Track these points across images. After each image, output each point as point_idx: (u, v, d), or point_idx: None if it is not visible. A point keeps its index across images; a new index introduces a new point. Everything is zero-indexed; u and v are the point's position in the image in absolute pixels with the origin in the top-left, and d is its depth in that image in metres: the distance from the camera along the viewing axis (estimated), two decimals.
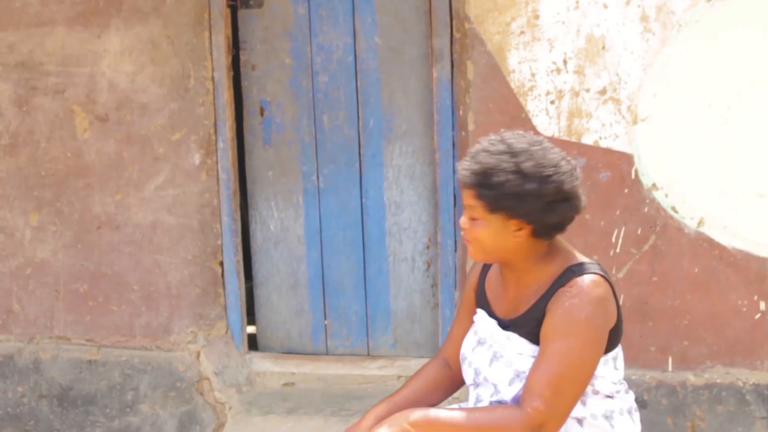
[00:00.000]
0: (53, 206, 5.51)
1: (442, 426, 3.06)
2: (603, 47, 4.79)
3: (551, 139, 4.87)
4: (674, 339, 4.89)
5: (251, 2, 5.41)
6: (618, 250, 4.89)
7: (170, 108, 5.34)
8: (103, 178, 5.44)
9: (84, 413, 5.55)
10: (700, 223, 4.80)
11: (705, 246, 4.81)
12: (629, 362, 4.90)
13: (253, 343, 5.69)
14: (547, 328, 3.10)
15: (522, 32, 4.86)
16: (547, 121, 4.88)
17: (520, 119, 4.90)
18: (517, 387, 3.16)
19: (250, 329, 5.73)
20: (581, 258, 3.22)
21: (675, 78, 4.73)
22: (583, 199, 3.21)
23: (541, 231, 3.16)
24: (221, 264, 5.42)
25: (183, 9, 5.27)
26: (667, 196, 4.82)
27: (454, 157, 5.13)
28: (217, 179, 5.36)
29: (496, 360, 3.22)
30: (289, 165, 5.50)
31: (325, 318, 5.61)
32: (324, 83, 5.37)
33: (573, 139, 4.86)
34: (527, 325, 3.18)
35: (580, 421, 3.18)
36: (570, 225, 3.22)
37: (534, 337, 3.16)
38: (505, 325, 3.25)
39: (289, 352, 5.68)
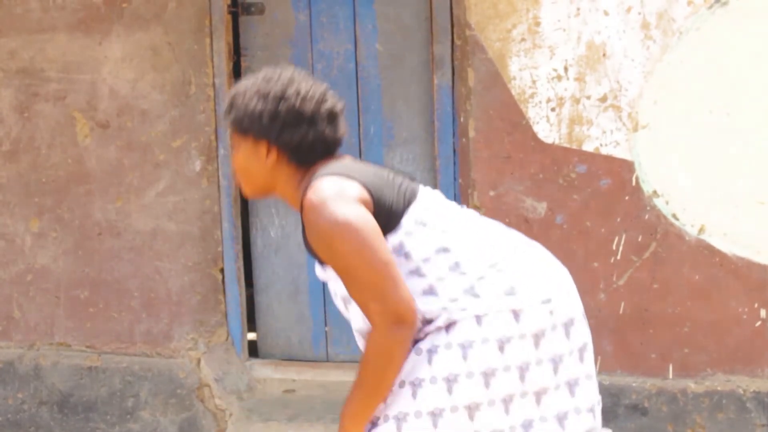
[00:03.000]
0: (54, 213, 5.51)
1: (355, 403, 3.03)
2: (604, 54, 4.79)
3: (552, 146, 4.87)
4: (675, 346, 4.88)
5: (252, 9, 5.42)
6: (618, 257, 4.88)
7: (171, 114, 5.34)
8: (103, 185, 5.44)
9: (84, 420, 5.55)
10: (701, 230, 4.80)
11: (706, 253, 4.81)
12: (629, 369, 4.91)
13: (253, 349, 5.69)
14: (318, 252, 3.06)
15: (523, 39, 4.86)
16: (547, 129, 4.88)
17: (521, 126, 4.90)
18: (354, 310, 3.11)
19: (251, 336, 5.72)
20: (320, 172, 3.12)
21: (676, 85, 4.73)
22: (338, 127, 3.19)
23: (288, 153, 3.15)
24: (222, 271, 5.42)
25: (184, 16, 5.28)
26: (667, 203, 4.82)
27: (455, 164, 5.13)
28: (218, 186, 5.36)
29: (349, 303, 3.18)
30: None
31: (326, 325, 5.61)
32: None
33: (574, 147, 4.86)
34: (314, 254, 3.16)
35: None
36: (325, 151, 3.17)
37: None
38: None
39: (290, 358, 5.67)
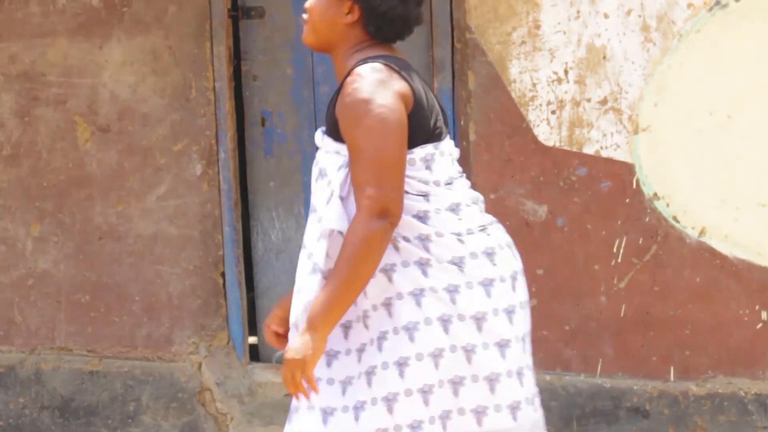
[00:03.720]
0: (55, 217, 5.51)
1: (326, 299, 3.04)
2: (604, 57, 4.79)
3: (552, 148, 4.87)
4: (676, 349, 4.88)
5: (252, 13, 5.42)
6: (619, 259, 4.88)
7: (172, 118, 5.35)
8: (104, 189, 5.44)
9: (86, 424, 5.55)
10: (702, 232, 4.79)
11: (706, 256, 4.81)
12: (630, 372, 4.91)
13: (254, 353, 5.68)
14: (341, 120, 3.10)
15: (523, 42, 4.87)
16: (548, 131, 4.88)
17: (522, 129, 4.90)
18: (334, 204, 3.13)
19: (252, 340, 5.72)
20: (380, 56, 3.19)
21: (676, 87, 4.73)
22: (421, 14, 3.26)
23: (369, 18, 3.20)
24: (223, 274, 5.42)
25: (184, 20, 5.28)
26: (668, 205, 4.82)
27: None
28: (219, 190, 5.36)
29: (321, 177, 3.22)
30: (290, 175, 5.50)
31: None
32: (325, 93, 5.37)
33: (574, 149, 4.86)
34: (327, 121, 3.21)
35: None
36: (399, 35, 3.25)
37: (335, 134, 3.17)
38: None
39: None
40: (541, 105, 4.88)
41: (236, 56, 5.45)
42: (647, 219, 4.84)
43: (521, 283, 3.25)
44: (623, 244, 4.88)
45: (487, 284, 3.14)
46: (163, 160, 5.38)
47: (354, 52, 3.23)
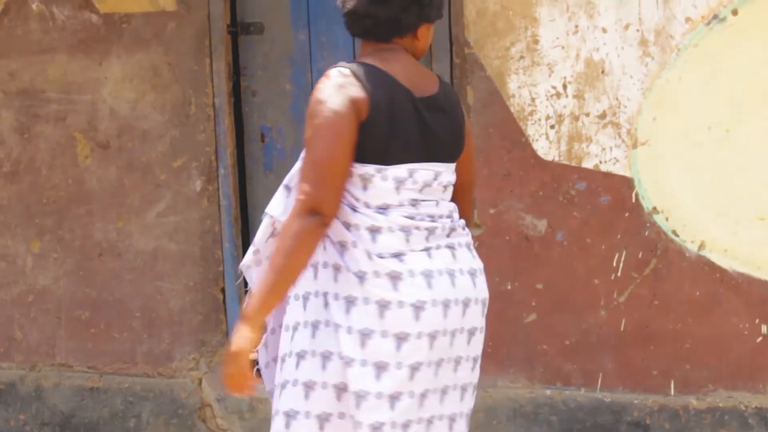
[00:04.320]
0: (55, 233, 5.51)
1: (260, 289, 3.15)
2: (602, 71, 4.80)
3: (551, 163, 4.88)
4: (676, 363, 4.88)
5: (252, 29, 5.43)
6: (619, 274, 4.88)
7: (171, 135, 5.36)
8: (104, 205, 5.45)
9: None
10: (701, 246, 4.79)
11: (706, 269, 4.81)
12: (631, 386, 4.90)
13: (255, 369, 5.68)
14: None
15: (521, 57, 4.87)
16: (547, 146, 4.89)
17: (521, 144, 4.91)
18: (278, 191, 3.31)
19: (252, 356, 5.71)
20: (366, 60, 3.27)
21: (674, 101, 4.74)
22: (404, 16, 3.26)
23: (347, 20, 3.32)
24: (223, 290, 5.42)
25: (184, 36, 5.30)
26: (667, 219, 4.82)
27: None
28: (218, 206, 5.37)
29: None
30: None
31: None
32: None
33: (573, 164, 4.87)
34: None
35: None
36: (380, 33, 3.28)
37: None
38: None
39: None
40: (540, 119, 4.89)
41: (235, 72, 5.46)
42: (647, 233, 4.84)
43: (430, 313, 3.20)
44: (623, 258, 4.88)
45: (383, 305, 3.16)
46: (163, 176, 5.39)
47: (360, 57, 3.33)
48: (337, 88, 3.14)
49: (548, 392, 4.98)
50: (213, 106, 5.32)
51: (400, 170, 3.21)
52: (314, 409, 3.19)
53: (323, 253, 3.20)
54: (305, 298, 3.23)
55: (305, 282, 3.21)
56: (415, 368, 3.17)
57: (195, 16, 5.28)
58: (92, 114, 5.42)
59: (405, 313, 3.16)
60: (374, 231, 3.18)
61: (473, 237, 4.83)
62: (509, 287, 4.99)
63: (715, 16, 4.66)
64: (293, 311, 3.25)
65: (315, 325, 3.20)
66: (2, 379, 5.64)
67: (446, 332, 3.22)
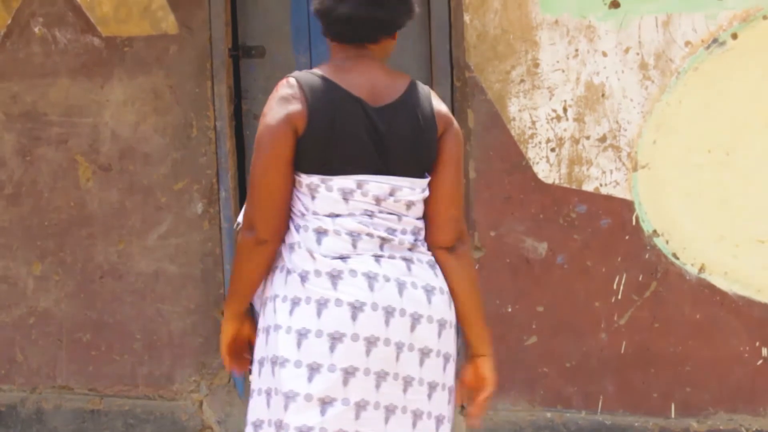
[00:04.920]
0: (56, 256, 5.52)
1: (229, 289, 3.37)
2: (602, 95, 4.81)
3: (552, 186, 4.89)
4: (677, 385, 4.88)
5: (253, 52, 5.45)
6: (620, 296, 4.89)
7: (173, 157, 5.37)
8: (105, 228, 5.45)
9: None
10: (701, 269, 4.80)
11: (706, 292, 4.81)
12: (631, 409, 4.90)
13: None
14: None
15: (522, 80, 4.89)
16: (547, 169, 4.90)
17: (521, 167, 4.92)
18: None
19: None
20: (320, 67, 3.29)
21: (674, 125, 4.75)
22: (379, 14, 3.24)
23: (322, 23, 3.30)
24: (223, 313, 5.41)
25: (185, 59, 5.31)
26: (667, 242, 4.83)
27: None
28: (220, 228, 5.37)
29: None
30: None
31: None
32: None
33: (574, 186, 4.88)
34: None
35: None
36: (357, 35, 3.27)
37: None
38: None
39: None
40: (540, 142, 4.90)
41: (237, 95, 5.48)
42: (647, 256, 4.85)
43: (368, 316, 3.12)
44: (623, 281, 4.88)
45: (321, 303, 3.13)
46: (164, 198, 5.39)
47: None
48: (279, 101, 3.16)
49: (549, 415, 4.98)
50: (214, 129, 5.33)
51: (347, 181, 3.17)
52: (274, 417, 3.15)
53: (279, 258, 3.23)
54: (264, 304, 3.28)
55: (265, 288, 3.28)
56: (349, 372, 3.08)
57: (197, 39, 5.30)
58: (94, 137, 5.43)
59: (342, 312, 3.10)
60: (320, 233, 3.16)
61: (475, 259, 4.85)
62: (510, 310, 5.00)
63: (715, 40, 4.67)
64: (264, 316, 3.29)
65: (266, 331, 3.22)
66: (3, 401, 5.64)
67: (389, 342, 3.12)
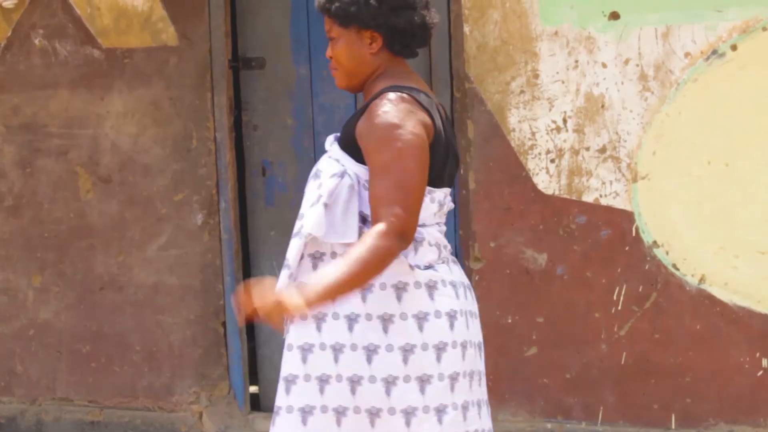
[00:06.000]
0: (56, 267, 5.52)
1: (330, 284, 3.00)
2: (602, 106, 4.82)
3: (552, 197, 4.89)
4: (677, 396, 4.87)
5: (253, 63, 5.45)
6: (620, 307, 4.88)
7: (173, 169, 5.37)
8: (105, 239, 5.45)
9: None
10: (702, 280, 4.80)
11: (706, 303, 4.81)
12: (632, 420, 4.90)
13: (255, 403, 5.67)
14: (365, 139, 3.15)
15: (522, 91, 4.89)
16: (547, 180, 4.90)
17: (521, 178, 4.92)
18: (316, 209, 3.20)
19: (253, 389, 5.71)
20: (406, 83, 3.24)
21: (674, 136, 4.75)
22: (432, 13, 3.28)
23: (394, 39, 3.24)
24: (224, 324, 5.42)
25: (185, 71, 5.32)
26: (667, 253, 4.83)
27: (455, 215, 5.13)
28: (220, 239, 5.37)
29: (315, 178, 3.27)
30: (291, 225, 5.44)
31: None
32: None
33: (573, 197, 4.88)
34: (343, 134, 3.26)
35: None
36: (422, 43, 3.29)
37: (345, 146, 3.23)
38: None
39: None
40: (540, 153, 4.90)
41: (237, 106, 5.48)
42: (647, 267, 4.85)
43: (460, 323, 3.21)
44: (623, 292, 4.88)
45: (421, 318, 3.17)
46: (164, 210, 5.40)
47: (378, 76, 3.28)
48: (407, 112, 3.12)
49: (549, 426, 4.98)
50: (214, 140, 5.34)
51: (442, 193, 3.26)
52: None
53: (411, 274, 3.18)
54: (382, 320, 3.16)
55: (383, 303, 3.17)
56: (454, 379, 3.18)
57: (197, 50, 5.31)
58: (94, 148, 5.43)
59: (442, 323, 3.17)
60: (416, 242, 3.19)
61: (474, 270, 4.86)
62: (510, 321, 4.99)
63: (715, 52, 4.68)
64: (364, 330, 3.17)
65: (407, 349, 3.18)
66: (3, 413, 5.64)
67: (472, 344, 3.25)
